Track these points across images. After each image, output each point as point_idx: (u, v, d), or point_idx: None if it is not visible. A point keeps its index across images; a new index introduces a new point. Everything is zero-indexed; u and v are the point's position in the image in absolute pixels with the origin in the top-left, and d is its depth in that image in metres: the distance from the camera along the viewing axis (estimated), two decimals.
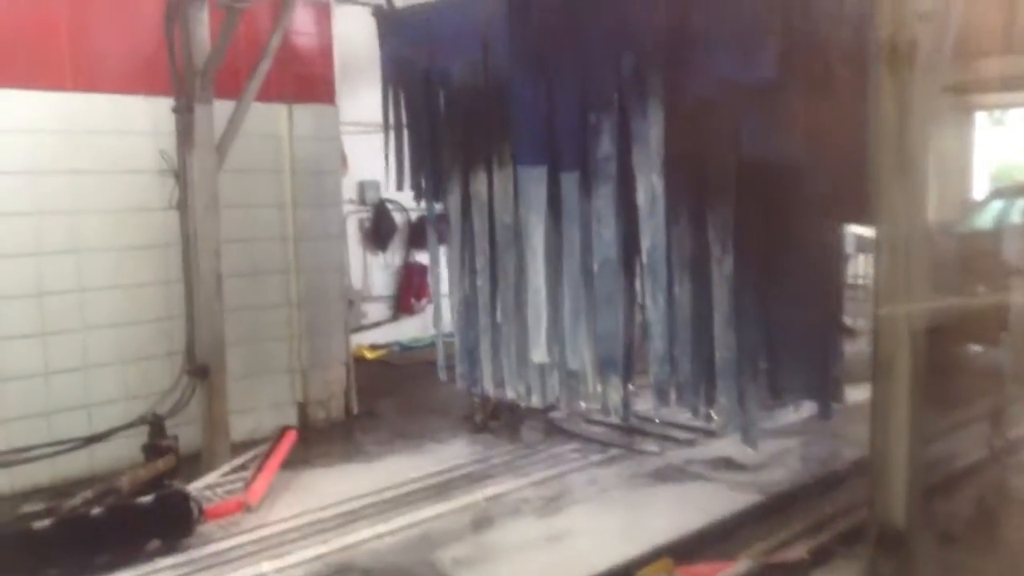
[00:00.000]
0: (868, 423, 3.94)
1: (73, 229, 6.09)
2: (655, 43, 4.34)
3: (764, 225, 4.41)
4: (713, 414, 4.97)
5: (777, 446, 6.45)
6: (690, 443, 6.83)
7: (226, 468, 6.04)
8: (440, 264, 5.81)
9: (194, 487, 5.63)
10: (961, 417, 6.28)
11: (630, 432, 6.88)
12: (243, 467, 6.08)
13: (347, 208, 9.70)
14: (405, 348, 10.36)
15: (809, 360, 4.94)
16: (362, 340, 10.13)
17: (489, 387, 5.64)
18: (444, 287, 6.02)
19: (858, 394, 5.04)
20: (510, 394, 5.53)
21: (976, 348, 7.28)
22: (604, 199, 4.70)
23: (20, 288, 5.91)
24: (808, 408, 5.25)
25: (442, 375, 5.87)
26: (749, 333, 4.60)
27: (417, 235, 10.20)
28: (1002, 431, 5.35)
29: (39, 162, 5.90)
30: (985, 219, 9.76)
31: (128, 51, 6.17)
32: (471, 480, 6.25)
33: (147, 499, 5.18)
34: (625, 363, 5.06)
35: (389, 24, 5.71)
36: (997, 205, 9.94)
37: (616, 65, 4.48)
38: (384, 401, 8.26)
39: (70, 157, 6.02)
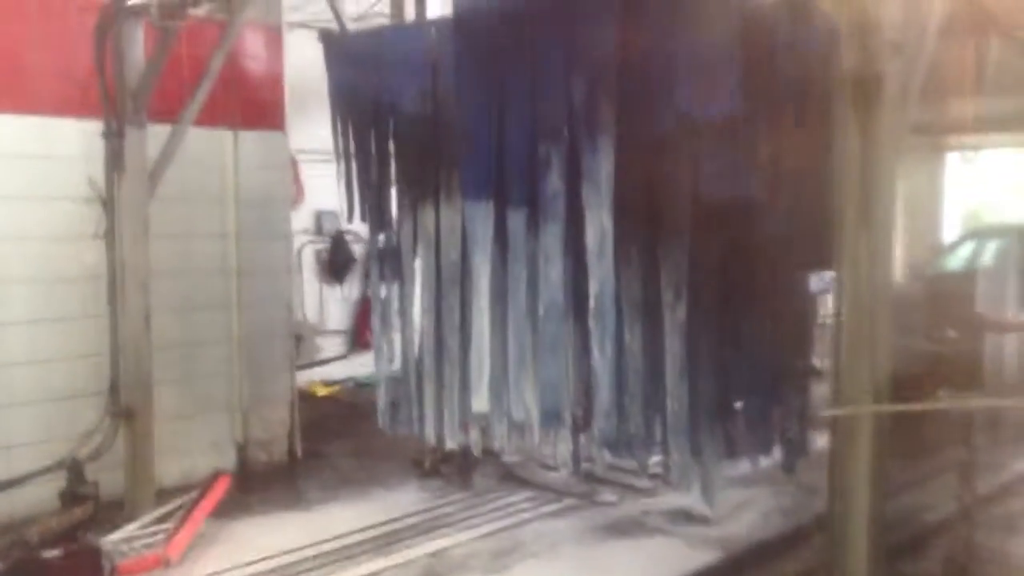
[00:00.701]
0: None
1: None
2: (608, 74, 4.07)
3: (722, 269, 4.13)
4: (667, 469, 4.66)
5: (739, 496, 6.15)
6: (649, 492, 6.53)
7: (148, 518, 5.66)
8: (384, 301, 5.47)
9: (110, 539, 5.25)
10: (929, 469, 6.03)
11: (587, 479, 6.57)
12: (168, 516, 5.69)
13: (303, 238, 9.41)
14: (360, 384, 9.97)
15: (771, 412, 4.67)
16: (315, 376, 9.75)
17: (431, 435, 5.29)
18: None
19: (825, 440, 4.81)
20: (452, 443, 5.18)
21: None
22: (552, 238, 4.40)
23: None
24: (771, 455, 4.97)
25: (382, 421, 5.51)
26: (705, 384, 4.30)
27: None
28: (971, 484, 5.08)
29: None
30: (956, 261, 9.59)
31: (58, 71, 5.83)
32: (417, 532, 5.90)
33: (55, 553, 4.78)
34: (574, 414, 4.73)
35: (337, 49, 5.42)
36: (969, 247, 9.78)
37: (567, 96, 4.20)
38: (332, 442, 7.89)
39: None
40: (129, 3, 5.07)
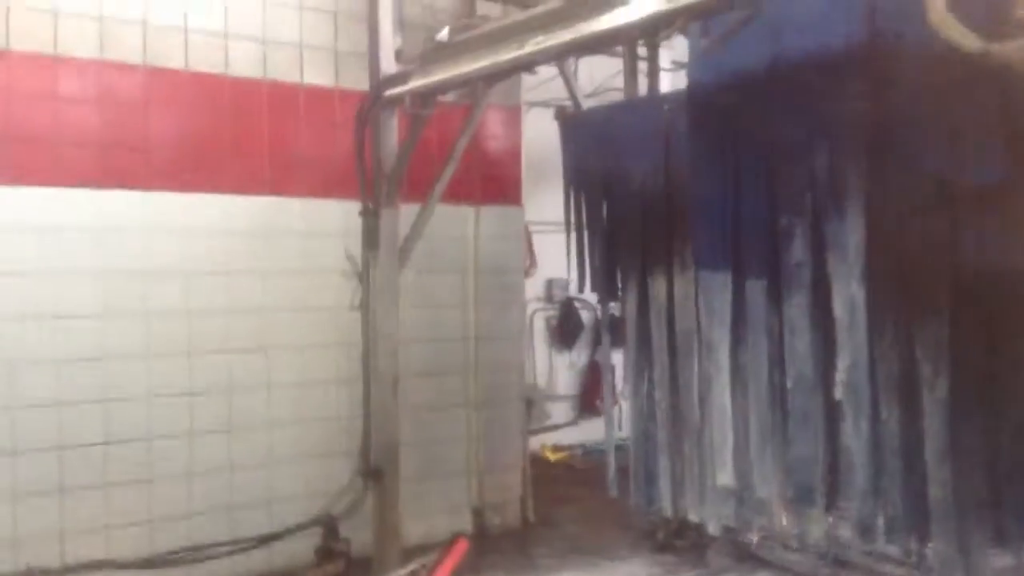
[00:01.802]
0: None
1: (263, 328, 6.27)
2: (854, 139, 3.91)
3: (987, 344, 3.79)
4: (929, 558, 4.29)
5: None
6: None
7: None
8: (616, 370, 5.49)
9: None
10: None
11: (835, 563, 6.17)
12: None
13: (534, 306, 9.66)
14: (589, 450, 9.99)
15: None
16: (545, 441, 9.89)
17: (668, 508, 5.19)
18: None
19: None
20: (691, 517, 5.04)
21: None
22: (798, 308, 4.23)
23: (213, 384, 6.11)
24: None
25: (612, 491, 5.48)
26: (970, 467, 3.93)
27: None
28: None
29: (234, 263, 6.16)
30: None
31: (321, 156, 6.41)
32: None
33: None
34: (826, 492, 4.48)
35: (571, 126, 5.60)
36: None
37: (809, 164, 4.09)
38: (562, 508, 7.92)
39: (263, 258, 6.25)
40: (386, 94, 5.51)
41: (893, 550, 4.72)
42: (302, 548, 6.23)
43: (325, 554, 6.12)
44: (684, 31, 3.97)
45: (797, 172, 4.12)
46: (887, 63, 3.71)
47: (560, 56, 4.25)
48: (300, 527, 6.24)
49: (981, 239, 3.61)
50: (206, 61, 6.06)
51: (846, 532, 4.51)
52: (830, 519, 4.58)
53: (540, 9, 4.00)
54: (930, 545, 4.18)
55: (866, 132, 3.86)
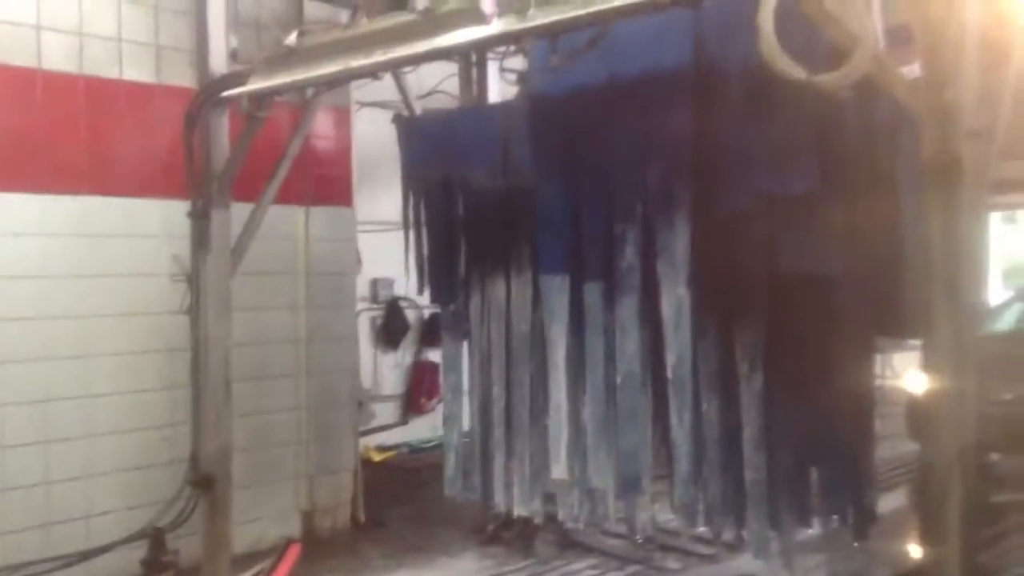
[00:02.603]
0: (895, 536, 3.60)
1: (82, 334, 5.96)
2: (683, 154, 4.27)
3: (796, 340, 4.25)
4: (744, 537, 4.73)
5: (805, 561, 6.15)
6: (713, 558, 6.56)
7: None
8: (453, 371, 5.63)
9: None
10: (1000, 530, 6.02)
11: (651, 546, 6.61)
12: None
13: (359, 306, 9.62)
14: (414, 449, 10.09)
15: (842, 481, 4.72)
16: (370, 442, 9.87)
17: (502, 502, 5.39)
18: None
19: (883, 503, 4.87)
20: (523, 511, 5.26)
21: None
22: (628, 310, 4.56)
23: (25, 394, 5.74)
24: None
25: (450, 489, 5.61)
26: (781, 453, 4.39)
27: (429, 333, 10.07)
28: None
29: (50, 266, 5.82)
30: (1006, 321, 9.56)
31: (144, 155, 6.16)
32: None
33: None
34: (652, 480, 4.83)
35: (409, 130, 5.68)
36: (1019, 307, 9.74)
37: (641, 175, 4.41)
38: (392, 508, 7.98)
39: (82, 261, 5.94)
40: (223, 94, 5.37)
41: (711, 532, 5.15)
42: (128, 562, 5.96)
43: (152, 567, 5.89)
44: (525, 49, 4.17)
45: (631, 183, 4.44)
46: (712, 85, 4.07)
47: (406, 64, 4.35)
48: (124, 541, 5.97)
49: (793, 245, 4.05)
50: (17, 53, 5.68)
51: (661, 510, 4.89)
52: (656, 506, 4.95)
53: (395, 21, 4.07)
54: (745, 526, 4.61)
55: (693, 147, 4.21)
